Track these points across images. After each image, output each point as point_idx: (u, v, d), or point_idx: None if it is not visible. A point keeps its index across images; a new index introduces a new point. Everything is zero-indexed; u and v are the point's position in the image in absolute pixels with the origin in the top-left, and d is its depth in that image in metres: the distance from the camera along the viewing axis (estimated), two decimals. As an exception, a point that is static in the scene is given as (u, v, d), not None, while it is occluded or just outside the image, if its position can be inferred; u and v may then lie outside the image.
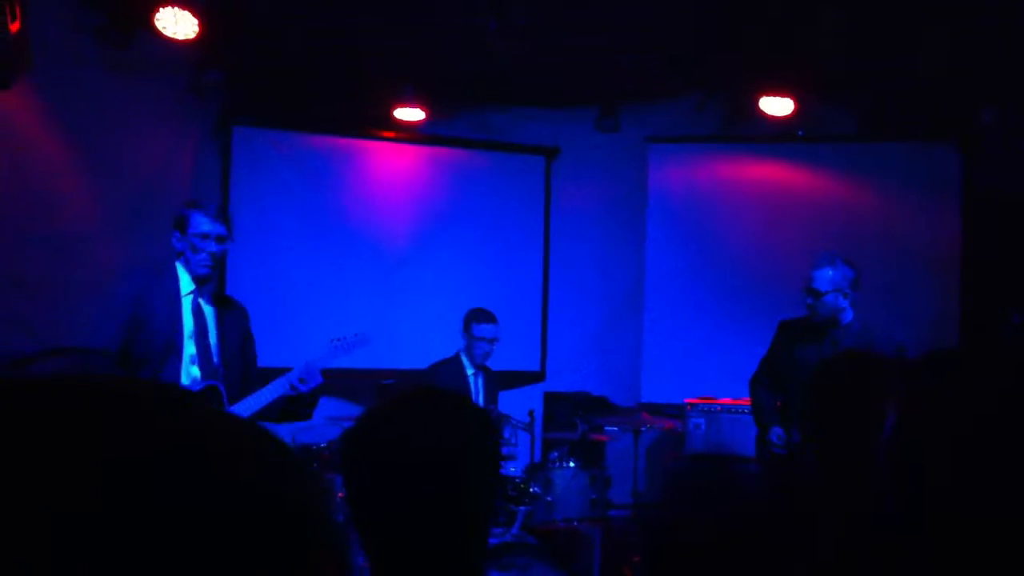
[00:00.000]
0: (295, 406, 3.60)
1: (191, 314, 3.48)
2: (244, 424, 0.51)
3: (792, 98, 6.07)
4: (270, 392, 3.51)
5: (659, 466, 6.32)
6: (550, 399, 6.90)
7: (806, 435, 2.87)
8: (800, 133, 6.57)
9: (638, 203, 6.94)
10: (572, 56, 6.33)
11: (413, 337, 6.49)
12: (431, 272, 6.81)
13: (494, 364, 5.67)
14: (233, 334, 3.61)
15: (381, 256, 6.77)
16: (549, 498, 4.94)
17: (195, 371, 3.46)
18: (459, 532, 1.44)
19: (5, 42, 4.36)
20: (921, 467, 0.99)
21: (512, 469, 4.99)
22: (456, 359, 5.56)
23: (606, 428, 5.83)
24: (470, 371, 5.55)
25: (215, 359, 3.51)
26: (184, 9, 5.03)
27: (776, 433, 4.47)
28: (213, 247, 3.48)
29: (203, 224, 3.47)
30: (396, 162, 6.98)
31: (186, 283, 3.50)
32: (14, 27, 4.36)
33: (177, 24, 5.07)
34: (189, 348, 3.46)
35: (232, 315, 3.65)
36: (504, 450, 4.93)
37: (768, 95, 6.06)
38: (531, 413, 5.58)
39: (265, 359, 3.84)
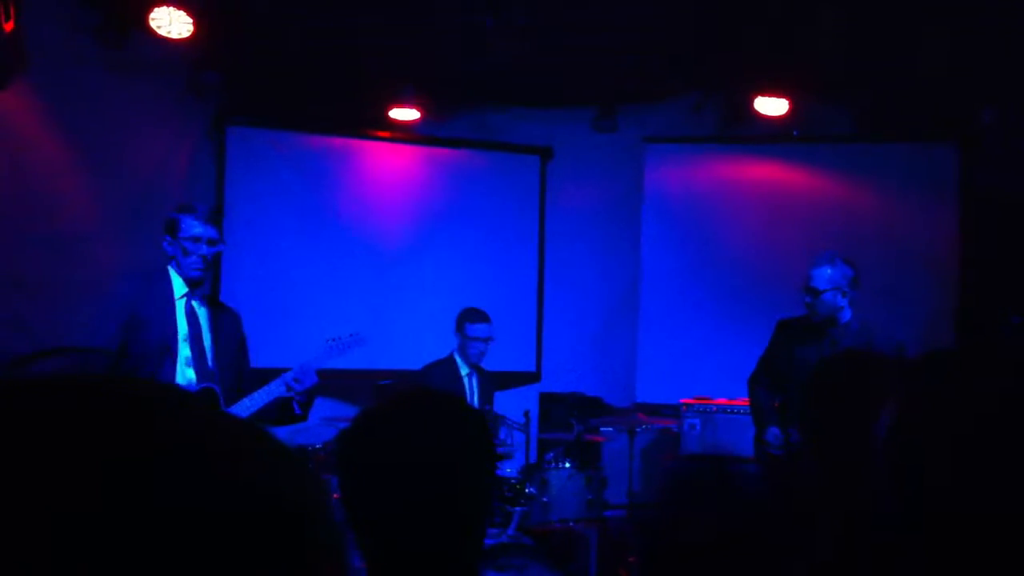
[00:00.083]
0: (290, 409, 3.60)
1: (185, 317, 3.49)
2: (243, 424, 0.51)
3: (790, 98, 6.06)
4: (266, 394, 3.51)
5: (655, 466, 6.31)
6: (546, 400, 6.89)
7: (805, 435, 2.87)
8: (795, 133, 6.55)
9: (635, 203, 6.94)
10: (571, 56, 6.33)
11: (410, 337, 6.47)
12: (427, 272, 6.80)
13: (489, 364, 5.64)
14: (228, 336, 3.62)
15: (377, 256, 6.77)
16: (545, 499, 4.94)
17: (190, 373, 3.46)
18: (455, 533, 1.44)
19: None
20: (921, 467, 0.99)
21: (508, 470, 4.98)
22: (450, 360, 5.50)
23: (602, 429, 5.82)
24: (464, 372, 5.48)
25: (210, 362, 3.51)
26: (179, 8, 5.03)
27: (772, 434, 4.45)
28: (204, 250, 3.48)
29: (194, 227, 3.47)
30: (392, 162, 6.98)
31: (179, 286, 3.51)
32: (8, 27, 4.35)
33: (172, 24, 5.07)
34: (184, 351, 3.46)
35: (226, 318, 3.66)
36: (500, 451, 4.92)
37: (767, 95, 6.05)
38: (527, 414, 5.57)
39: (261, 359, 3.84)
